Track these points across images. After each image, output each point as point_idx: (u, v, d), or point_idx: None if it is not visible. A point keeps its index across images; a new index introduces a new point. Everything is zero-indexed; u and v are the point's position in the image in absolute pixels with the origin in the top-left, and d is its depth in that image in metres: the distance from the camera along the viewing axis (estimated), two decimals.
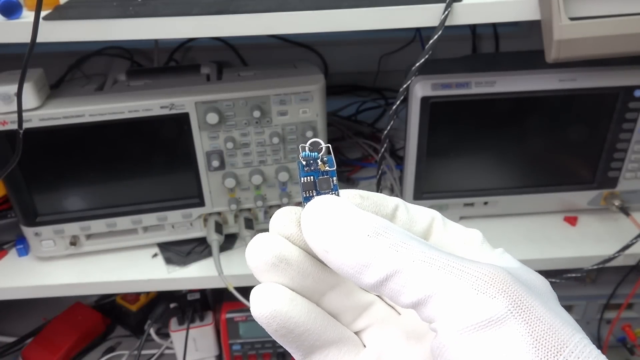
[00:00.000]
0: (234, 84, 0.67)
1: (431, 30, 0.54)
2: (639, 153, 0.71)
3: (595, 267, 0.68)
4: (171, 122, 0.65)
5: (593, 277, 0.88)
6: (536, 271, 0.22)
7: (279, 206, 0.73)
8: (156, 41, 0.90)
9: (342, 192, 0.24)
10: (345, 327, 0.25)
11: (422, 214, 0.24)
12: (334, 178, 0.24)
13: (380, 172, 0.63)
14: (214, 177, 0.69)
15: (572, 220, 0.77)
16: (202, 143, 0.67)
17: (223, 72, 0.72)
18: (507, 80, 0.66)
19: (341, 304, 0.25)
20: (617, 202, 0.74)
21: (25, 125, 0.61)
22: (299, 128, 0.68)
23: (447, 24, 0.53)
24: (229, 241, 0.75)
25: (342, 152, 0.96)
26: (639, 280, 0.77)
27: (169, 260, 0.73)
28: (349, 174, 0.91)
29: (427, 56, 0.55)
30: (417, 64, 0.56)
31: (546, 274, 0.26)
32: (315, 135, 0.68)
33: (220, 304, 0.89)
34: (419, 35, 0.95)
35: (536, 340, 0.17)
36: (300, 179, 0.24)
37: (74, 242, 0.71)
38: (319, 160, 0.24)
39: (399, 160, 0.90)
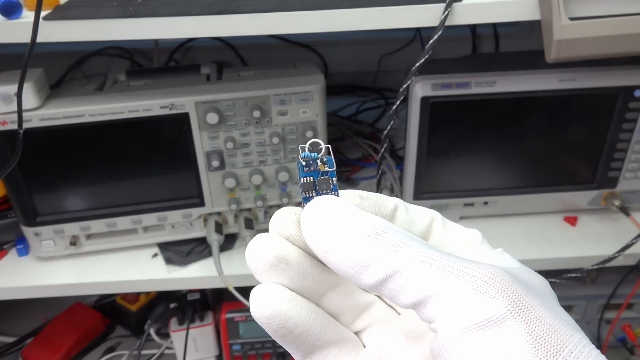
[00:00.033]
0: (234, 84, 0.67)
1: (431, 30, 0.54)
2: (639, 153, 0.71)
3: (595, 267, 0.68)
4: (171, 122, 0.65)
5: (593, 277, 0.88)
6: (536, 271, 0.22)
7: (279, 206, 0.73)
8: (156, 41, 0.90)
9: (341, 192, 0.24)
10: (345, 327, 0.25)
11: (422, 214, 0.25)
12: (334, 178, 0.24)
13: (380, 172, 0.63)
14: (214, 177, 0.69)
15: (572, 220, 0.77)
16: (202, 143, 0.67)
17: (223, 72, 0.72)
18: (507, 80, 0.66)
19: (341, 304, 0.25)
20: (617, 202, 0.74)
21: (25, 125, 0.61)
22: (299, 128, 0.68)
23: (447, 24, 0.53)
24: (229, 241, 0.75)
25: (342, 152, 0.96)
26: (639, 280, 0.77)
27: (169, 260, 0.73)
28: (349, 174, 0.91)
29: (427, 56, 0.55)
30: (417, 64, 0.56)
31: (546, 274, 0.26)
32: (315, 135, 0.68)
33: (220, 304, 0.89)
34: (419, 35, 0.95)
35: (535, 340, 0.17)
36: (300, 179, 0.24)
37: (74, 242, 0.71)
38: (318, 161, 0.24)
39: (399, 160, 0.90)
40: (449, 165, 0.73)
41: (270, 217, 0.24)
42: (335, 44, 1.02)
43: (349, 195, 0.24)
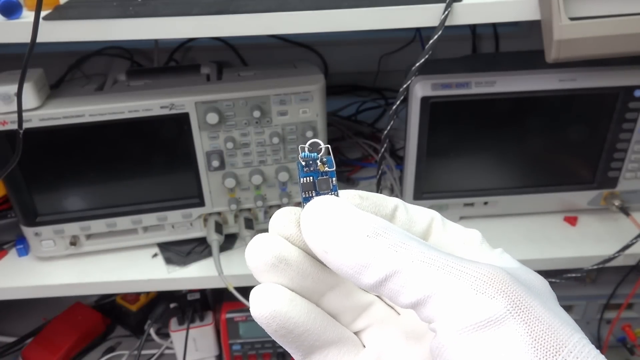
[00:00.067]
0: (234, 84, 0.67)
1: (431, 30, 0.54)
2: (639, 153, 0.71)
3: (595, 267, 0.68)
4: (171, 122, 0.65)
5: (593, 277, 0.88)
6: (536, 271, 0.22)
7: (279, 206, 0.73)
8: (156, 41, 0.90)
9: (341, 192, 0.24)
10: (344, 327, 0.25)
11: (422, 214, 0.25)
12: (334, 178, 0.24)
13: (380, 172, 0.63)
14: (214, 177, 0.69)
15: (572, 220, 0.77)
16: (202, 143, 0.67)
17: (223, 72, 0.72)
18: (507, 80, 0.66)
19: (341, 304, 0.25)
20: (617, 202, 0.74)
21: (25, 125, 0.61)
22: (299, 128, 0.68)
23: (447, 24, 0.53)
24: (229, 241, 0.75)
25: (342, 152, 0.96)
26: (639, 280, 0.77)
27: (169, 260, 0.73)
28: (349, 174, 0.91)
29: (427, 56, 0.55)
30: (417, 64, 0.56)
31: (546, 274, 0.26)
32: (315, 135, 0.68)
33: (220, 304, 0.89)
34: (419, 35, 0.95)
35: (535, 340, 0.17)
36: (300, 179, 0.24)
37: (74, 242, 0.71)
38: (318, 161, 0.24)
39: (399, 160, 0.90)
40: (449, 165, 0.73)
41: (270, 217, 0.24)
42: (335, 44, 1.02)
43: (348, 195, 0.24)
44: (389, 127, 0.59)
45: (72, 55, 0.95)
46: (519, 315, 0.18)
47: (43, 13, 0.52)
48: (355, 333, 0.25)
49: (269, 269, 0.23)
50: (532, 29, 0.99)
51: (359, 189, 0.24)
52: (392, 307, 0.26)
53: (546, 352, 0.17)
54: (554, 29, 0.52)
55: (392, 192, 0.81)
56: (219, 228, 0.72)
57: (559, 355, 0.17)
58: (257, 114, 0.65)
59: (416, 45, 0.96)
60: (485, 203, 0.76)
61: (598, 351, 0.18)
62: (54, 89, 0.68)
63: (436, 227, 0.24)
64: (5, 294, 0.71)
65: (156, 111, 0.64)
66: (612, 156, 0.71)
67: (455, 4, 0.53)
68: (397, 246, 0.20)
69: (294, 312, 0.22)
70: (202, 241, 0.75)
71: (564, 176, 0.75)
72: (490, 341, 0.18)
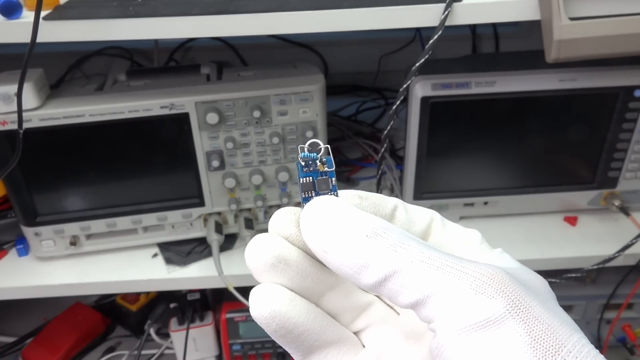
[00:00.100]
0: (234, 84, 0.67)
1: (431, 30, 0.54)
2: (639, 153, 0.71)
3: (595, 267, 0.68)
4: (171, 122, 0.65)
5: (593, 277, 0.88)
6: (536, 271, 0.22)
7: (279, 206, 0.73)
8: (156, 41, 0.90)
9: (341, 192, 0.24)
10: (344, 327, 0.25)
11: (421, 215, 0.25)
12: (333, 179, 0.24)
13: (380, 172, 0.63)
14: (214, 177, 0.69)
15: (572, 220, 0.77)
16: (202, 143, 0.67)
17: (223, 72, 0.72)
18: (507, 80, 0.66)
19: (340, 304, 0.25)
20: (617, 202, 0.74)
21: (25, 125, 0.61)
22: (299, 128, 0.68)
23: (447, 24, 0.53)
24: (229, 241, 0.75)
25: (342, 152, 0.96)
26: (639, 280, 0.77)
27: (169, 260, 0.73)
28: (349, 174, 0.91)
29: (427, 56, 0.55)
30: (417, 64, 0.56)
31: (546, 274, 0.26)
32: (315, 135, 0.68)
33: (220, 304, 0.89)
34: (419, 35, 0.95)
35: (534, 340, 0.17)
36: (299, 179, 0.24)
37: (74, 242, 0.71)
38: (317, 161, 0.24)
39: (399, 160, 0.90)
40: (449, 165, 0.73)
41: (270, 217, 0.24)
42: (335, 44, 1.02)
43: (348, 195, 0.24)
44: (389, 127, 0.59)
45: (72, 55, 0.95)
46: (518, 315, 0.18)
47: (43, 13, 0.52)
48: (355, 333, 0.25)
49: (268, 269, 0.23)
50: (532, 29, 0.99)
51: (359, 189, 0.24)
52: (391, 307, 0.26)
53: (545, 352, 0.17)
54: (554, 29, 0.52)
55: (392, 192, 0.81)
56: (219, 228, 0.72)
57: (558, 355, 0.17)
58: (257, 114, 0.65)
59: (416, 45, 0.96)
60: (485, 203, 0.76)
61: (597, 351, 0.18)
62: (54, 89, 0.68)
63: (436, 227, 0.24)
64: (5, 294, 0.71)
65: (156, 111, 0.64)
66: (612, 156, 0.71)
67: (455, 4, 0.53)
68: (397, 246, 0.20)
69: (293, 312, 0.22)
70: (202, 241, 0.75)
71: (564, 176, 0.75)
72: (490, 341, 0.18)
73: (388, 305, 0.26)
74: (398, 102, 0.57)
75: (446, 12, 0.52)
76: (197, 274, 0.71)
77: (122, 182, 0.70)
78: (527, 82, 0.66)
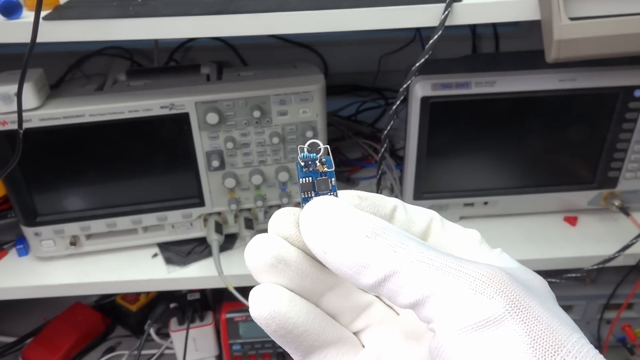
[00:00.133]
0: (234, 84, 0.67)
1: (431, 30, 0.54)
2: (639, 153, 0.71)
3: (595, 267, 0.68)
4: (171, 122, 0.65)
5: (593, 277, 0.88)
6: (536, 271, 0.22)
7: (279, 206, 0.73)
8: (156, 41, 0.90)
9: (340, 192, 0.24)
10: (344, 327, 0.25)
11: (421, 215, 0.25)
12: (333, 179, 0.24)
13: (380, 172, 0.63)
14: (214, 177, 0.69)
15: (572, 220, 0.77)
16: (202, 143, 0.67)
17: (223, 72, 0.72)
18: (507, 80, 0.66)
19: (340, 304, 0.25)
20: (617, 202, 0.74)
21: (25, 125, 0.61)
22: (299, 128, 0.68)
23: (447, 24, 0.53)
24: (229, 241, 0.75)
25: (342, 152, 0.96)
26: (639, 280, 0.77)
27: (169, 260, 0.73)
28: (349, 174, 0.91)
29: (427, 56, 0.55)
30: (417, 64, 0.56)
31: (546, 274, 0.26)
32: (315, 135, 0.68)
33: (220, 304, 0.89)
34: (419, 35, 0.95)
35: (534, 340, 0.17)
36: (299, 180, 0.24)
37: (74, 242, 0.71)
38: (317, 162, 0.24)
39: (399, 160, 0.90)
40: (449, 165, 0.73)
41: (270, 217, 0.24)
42: (335, 44, 1.02)
43: (347, 195, 0.24)
44: (389, 127, 0.59)
45: (72, 55, 0.95)
46: (517, 315, 0.18)
47: (43, 13, 0.52)
48: (355, 333, 0.25)
49: (268, 270, 0.23)
50: (532, 29, 0.99)
51: (358, 189, 0.24)
52: (391, 307, 0.26)
53: (545, 351, 0.17)
54: (554, 29, 0.52)
55: (392, 192, 0.81)
56: (219, 228, 0.72)
57: (558, 355, 0.17)
58: (257, 114, 0.65)
59: (416, 45, 0.96)
60: (485, 203, 0.76)
61: (597, 351, 0.18)
62: (54, 89, 0.68)
63: (435, 227, 0.24)
64: (5, 294, 0.71)
65: (156, 111, 0.64)
66: (612, 156, 0.71)
67: (455, 4, 0.53)
68: (396, 246, 0.20)
69: (293, 313, 0.22)
70: (202, 241, 0.75)
71: (564, 176, 0.75)
72: (489, 341, 0.18)
73: (388, 305, 0.26)
74: (398, 102, 0.57)
75: (446, 12, 0.52)
76: (197, 274, 0.71)
77: (122, 182, 0.70)
78: (527, 82, 0.66)
